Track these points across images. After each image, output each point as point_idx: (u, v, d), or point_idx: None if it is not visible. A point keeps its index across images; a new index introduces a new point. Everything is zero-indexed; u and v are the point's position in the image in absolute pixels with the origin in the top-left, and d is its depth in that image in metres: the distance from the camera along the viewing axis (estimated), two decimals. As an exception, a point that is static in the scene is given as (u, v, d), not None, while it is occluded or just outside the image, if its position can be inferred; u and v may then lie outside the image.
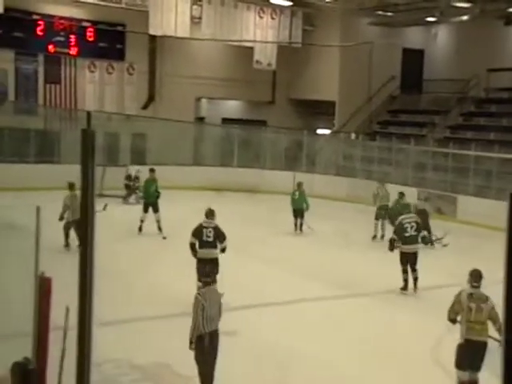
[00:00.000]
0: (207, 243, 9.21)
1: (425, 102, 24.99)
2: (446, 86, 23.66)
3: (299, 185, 15.90)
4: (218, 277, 8.55)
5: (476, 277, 6.64)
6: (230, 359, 7.38)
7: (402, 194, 14.60)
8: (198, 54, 24.42)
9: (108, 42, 23.00)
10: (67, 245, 12.11)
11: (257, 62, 24.38)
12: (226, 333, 8.26)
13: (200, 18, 22.88)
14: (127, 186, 19.01)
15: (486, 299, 6.54)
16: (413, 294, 10.51)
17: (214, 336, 6.46)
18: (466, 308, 6.51)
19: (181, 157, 20.21)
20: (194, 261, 9.18)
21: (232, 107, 26.88)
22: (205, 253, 9.16)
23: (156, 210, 14.06)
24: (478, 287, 6.61)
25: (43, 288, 5.24)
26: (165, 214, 14.02)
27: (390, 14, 23.59)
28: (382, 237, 14.55)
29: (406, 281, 10.51)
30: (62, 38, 22.22)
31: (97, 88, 22.94)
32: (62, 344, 4.79)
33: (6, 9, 19.60)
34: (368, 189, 17.14)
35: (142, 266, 11.34)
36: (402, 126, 23.90)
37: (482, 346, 6.41)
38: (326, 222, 16.56)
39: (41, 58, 22.00)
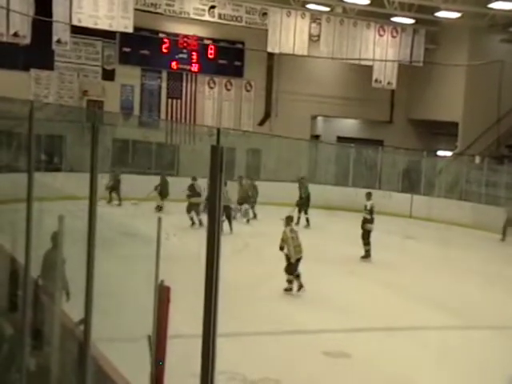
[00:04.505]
0: (198, 194, 15.70)
1: None
2: None
3: None
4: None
5: (290, 219, 11.09)
6: (342, 382, 7.08)
7: None
8: (314, 72, 24.32)
9: (227, 59, 23.52)
10: None
11: (376, 80, 23.85)
12: (340, 354, 7.95)
13: (318, 36, 22.83)
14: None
15: (297, 231, 10.90)
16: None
17: None
18: (290, 238, 10.47)
19: (295, 174, 20.06)
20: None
21: (348, 126, 26.47)
22: (197, 200, 15.66)
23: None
24: (291, 226, 10.93)
25: (162, 296, 5.22)
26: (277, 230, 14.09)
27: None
28: None
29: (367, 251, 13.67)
30: (184, 56, 23.04)
31: (215, 104, 23.50)
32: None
33: (136, 28, 20.62)
34: (492, 215, 16.02)
35: (263, 281, 11.25)
36: (536, 150, 22.32)
37: (300, 259, 10.51)
38: (444, 248, 15.65)
39: (164, 74, 22.92)
